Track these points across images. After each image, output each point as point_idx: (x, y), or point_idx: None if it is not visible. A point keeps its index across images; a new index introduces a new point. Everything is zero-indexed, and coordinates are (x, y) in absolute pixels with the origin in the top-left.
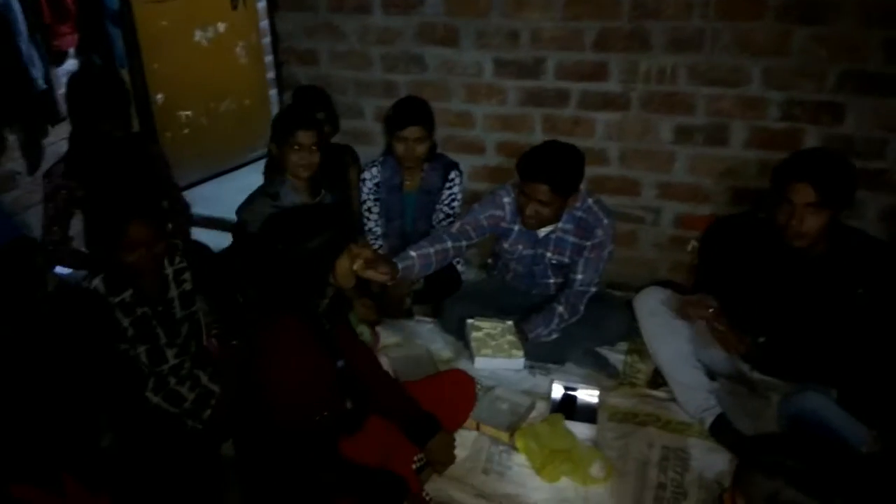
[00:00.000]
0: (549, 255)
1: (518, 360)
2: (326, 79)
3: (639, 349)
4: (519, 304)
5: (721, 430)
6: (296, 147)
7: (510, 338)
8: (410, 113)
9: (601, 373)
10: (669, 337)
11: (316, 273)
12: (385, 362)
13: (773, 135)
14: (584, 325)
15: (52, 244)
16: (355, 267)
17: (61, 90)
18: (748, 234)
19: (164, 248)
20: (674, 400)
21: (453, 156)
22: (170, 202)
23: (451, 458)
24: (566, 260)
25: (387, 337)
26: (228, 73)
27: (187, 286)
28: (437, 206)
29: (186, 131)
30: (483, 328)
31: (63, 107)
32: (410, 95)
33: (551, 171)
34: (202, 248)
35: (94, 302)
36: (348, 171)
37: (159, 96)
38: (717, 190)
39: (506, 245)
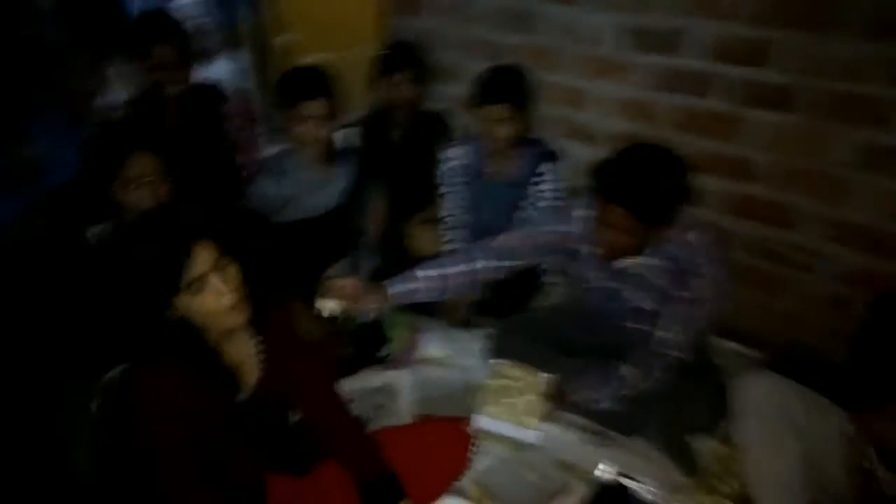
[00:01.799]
0: (626, 294)
1: (527, 432)
2: (432, 34)
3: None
4: (587, 345)
5: None
6: (301, 119)
7: (531, 398)
8: (497, 87)
9: (674, 462)
10: (773, 449)
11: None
12: (407, 382)
13: None
14: (658, 399)
15: None
16: (327, 307)
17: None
18: None
19: (166, 192)
20: None
21: (558, 142)
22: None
23: None
24: (647, 307)
25: (429, 347)
26: (369, 19)
27: None
28: (522, 203)
29: None
30: (505, 377)
31: None
32: (503, 65)
33: (634, 191)
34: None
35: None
36: (434, 145)
37: (289, 37)
38: None
39: (576, 270)
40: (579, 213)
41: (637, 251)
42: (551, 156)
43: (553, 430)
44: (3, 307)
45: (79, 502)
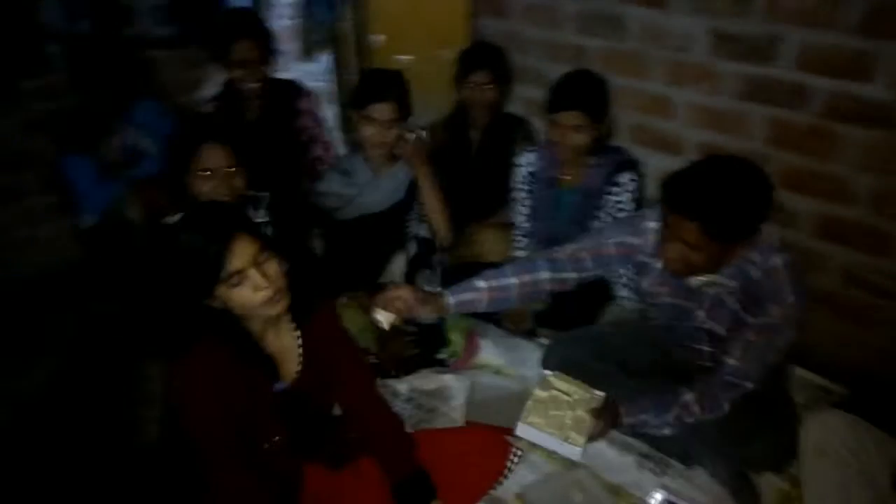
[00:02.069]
0: (700, 314)
1: (573, 449)
2: (515, 36)
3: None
4: (652, 366)
5: None
6: (369, 121)
7: (581, 414)
8: (570, 94)
9: (735, 498)
10: (840, 496)
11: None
12: (462, 387)
13: None
14: (723, 431)
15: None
16: (380, 318)
17: (280, 21)
18: None
19: (242, 183)
20: None
21: (641, 151)
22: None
23: None
24: (720, 331)
25: (487, 354)
26: (458, 19)
27: None
28: (598, 214)
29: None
30: (555, 388)
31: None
32: (578, 71)
33: (706, 205)
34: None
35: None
36: (513, 148)
37: (379, 37)
38: None
39: (645, 284)
40: (651, 224)
41: (712, 269)
42: (630, 165)
43: (607, 450)
44: (96, 287)
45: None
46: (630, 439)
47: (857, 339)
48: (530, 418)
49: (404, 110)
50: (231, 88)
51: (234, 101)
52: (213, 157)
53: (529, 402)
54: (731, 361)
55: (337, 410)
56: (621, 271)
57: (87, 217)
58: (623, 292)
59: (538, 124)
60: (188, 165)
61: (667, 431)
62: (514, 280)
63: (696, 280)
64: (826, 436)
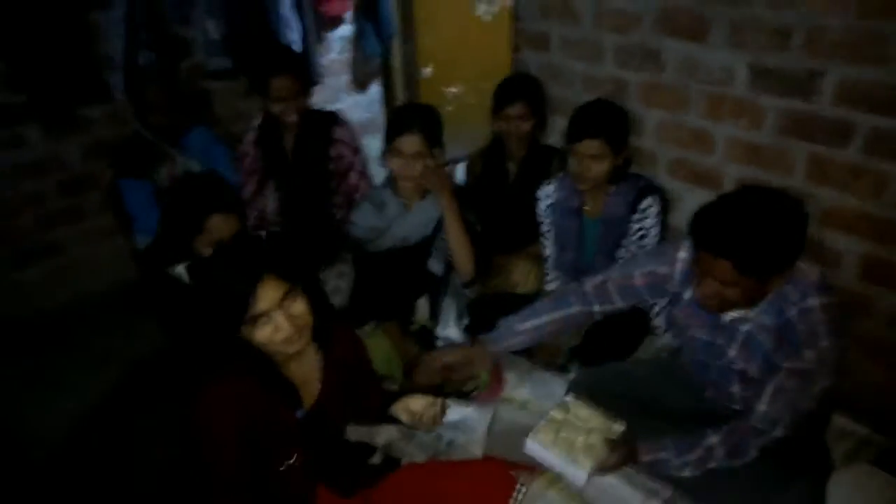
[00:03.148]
0: (731, 353)
1: (578, 473)
2: (555, 69)
3: None
4: (682, 409)
5: None
6: (397, 153)
7: (594, 441)
8: (589, 122)
9: None
10: None
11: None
12: (483, 421)
13: None
14: (752, 481)
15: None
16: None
17: (331, 54)
18: None
19: None
20: None
21: (680, 185)
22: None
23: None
24: (754, 372)
25: (514, 387)
26: (504, 51)
27: None
28: (623, 242)
29: (450, 108)
30: (572, 412)
31: (319, 70)
32: (598, 100)
33: (738, 241)
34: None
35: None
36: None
37: (427, 69)
38: None
39: (675, 315)
40: (682, 254)
41: (748, 304)
42: (652, 190)
43: (630, 494)
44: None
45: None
46: (657, 485)
47: None
48: (539, 436)
49: (432, 142)
50: (270, 118)
51: (272, 130)
52: (220, 227)
53: (543, 422)
54: (760, 407)
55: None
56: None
57: (141, 238)
58: (658, 321)
59: None
60: (193, 232)
61: (686, 474)
62: (545, 318)
63: (729, 315)
64: (854, 493)
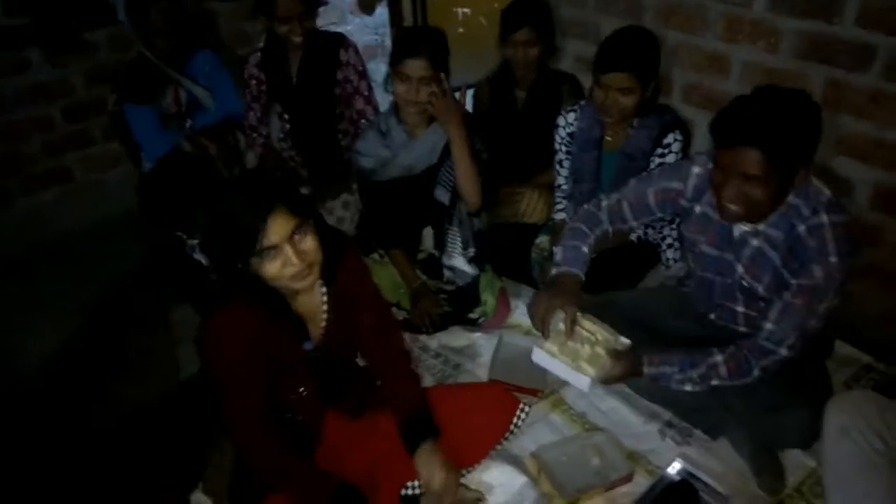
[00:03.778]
0: (740, 268)
1: (581, 378)
2: None
3: None
4: (686, 333)
5: None
6: (402, 78)
7: (600, 352)
8: (619, 53)
9: (760, 478)
10: (855, 483)
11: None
12: (489, 346)
13: None
14: (752, 402)
15: (249, 127)
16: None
17: None
18: None
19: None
20: None
21: (693, 111)
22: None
23: (448, 493)
24: (760, 290)
25: (520, 314)
26: None
27: None
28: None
29: (461, 30)
30: (579, 324)
31: None
32: (630, 27)
33: (767, 128)
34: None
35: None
36: (560, 107)
37: None
38: None
39: (685, 231)
40: (696, 169)
41: (770, 207)
42: (677, 125)
43: (631, 417)
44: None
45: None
46: (657, 408)
47: None
48: (546, 345)
49: (439, 68)
50: (274, 40)
51: (277, 52)
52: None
53: (552, 332)
54: (767, 325)
55: (361, 360)
56: (665, 231)
57: (147, 164)
58: (668, 253)
59: (589, 81)
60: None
61: (688, 388)
62: (584, 248)
63: (740, 228)
64: (851, 416)
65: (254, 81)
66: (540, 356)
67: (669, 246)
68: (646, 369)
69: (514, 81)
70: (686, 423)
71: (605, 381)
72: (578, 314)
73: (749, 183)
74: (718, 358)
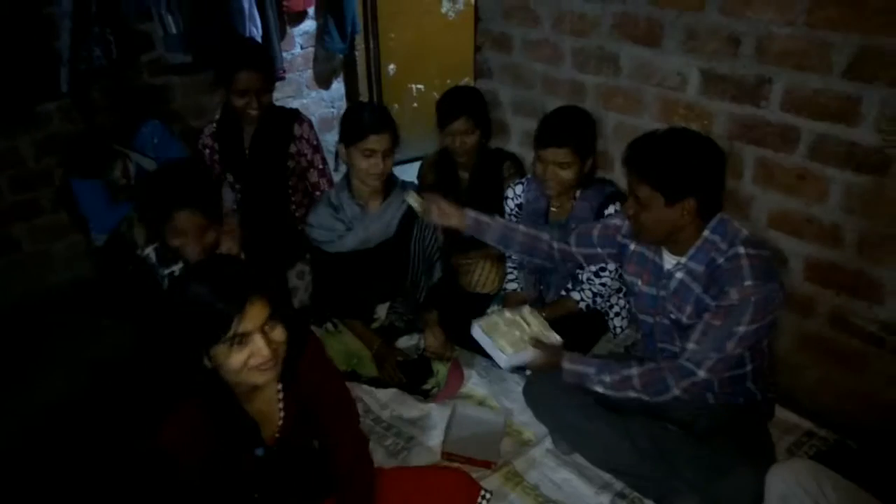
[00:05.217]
0: (668, 305)
1: (500, 354)
2: (517, 69)
3: None
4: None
5: None
6: (366, 152)
7: (526, 339)
8: (557, 130)
9: None
10: None
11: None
12: (443, 418)
13: None
14: (698, 466)
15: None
16: (412, 201)
17: (294, 50)
18: None
19: (214, 240)
20: None
21: None
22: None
23: None
24: (684, 319)
25: (473, 384)
26: (468, 50)
27: None
28: None
29: (415, 105)
30: (522, 316)
31: (281, 65)
32: (567, 106)
33: (648, 160)
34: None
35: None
36: (503, 185)
37: (391, 67)
38: None
39: (626, 274)
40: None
41: (660, 230)
42: (618, 196)
43: (583, 488)
44: (106, 304)
45: None
46: (609, 478)
47: (845, 384)
48: (483, 322)
49: (396, 141)
50: (229, 112)
51: (231, 124)
52: (185, 221)
53: (491, 314)
54: (689, 345)
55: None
56: (612, 300)
57: (97, 236)
58: (616, 321)
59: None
60: (163, 223)
61: (599, 389)
62: (522, 228)
63: (669, 262)
64: (790, 485)
65: (207, 151)
66: (476, 331)
67: (617, 314)
68: (565, 364)
69: (456, 165)
70: (637, 494)
71: (531, 367)
72: (526, 309)
73: (640, 205)
74: (634, 371)
